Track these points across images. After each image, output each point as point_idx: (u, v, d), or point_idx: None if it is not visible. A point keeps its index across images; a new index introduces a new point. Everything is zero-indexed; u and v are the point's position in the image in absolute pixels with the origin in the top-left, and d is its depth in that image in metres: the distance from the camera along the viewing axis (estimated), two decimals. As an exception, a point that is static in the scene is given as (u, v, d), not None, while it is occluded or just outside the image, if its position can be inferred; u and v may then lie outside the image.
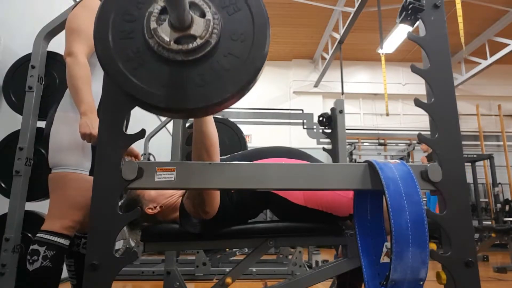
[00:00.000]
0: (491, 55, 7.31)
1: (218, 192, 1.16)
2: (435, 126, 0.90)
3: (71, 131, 1.42)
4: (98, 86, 1.41)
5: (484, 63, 7.49)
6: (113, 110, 0.84)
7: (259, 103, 7.06)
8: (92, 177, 0.82)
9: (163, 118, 4.46)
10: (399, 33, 6.66)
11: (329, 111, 2.36)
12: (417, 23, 0.98)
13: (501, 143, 8.65)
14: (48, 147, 1.46)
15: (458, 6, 4.60)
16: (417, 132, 0.92)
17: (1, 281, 1.69)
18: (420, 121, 7.62)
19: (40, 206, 1.91)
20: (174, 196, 1.37)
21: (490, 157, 6.75)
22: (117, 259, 0.78)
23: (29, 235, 1.80)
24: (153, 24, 0.72)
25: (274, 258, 3.95)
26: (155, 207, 1.33)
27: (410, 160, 8.44)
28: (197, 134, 1.05)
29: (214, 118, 1.11)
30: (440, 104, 0.91)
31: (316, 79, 8.84)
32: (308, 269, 3.03)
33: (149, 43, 0.73)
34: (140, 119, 2.29)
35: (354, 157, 8.28)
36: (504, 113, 8.80)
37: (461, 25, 4.58)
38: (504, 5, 6.65)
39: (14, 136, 1.89)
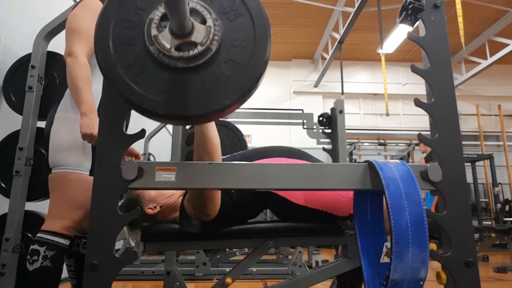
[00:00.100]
0: (491, 55, 7.30)
1: (219, 194, 1.16)
2: (435, 126, 0.90)
3: (71, 131, 1.42)
4: (98, 86, 1.40)
5: (484, 63, 7.48)
6: (113, 110, 0.84)
7: (259, 103, 7.03)
8: (92, 177, 0.82)
9: (163, 119, 4.44)
10: (399, 33, 6.64)
11: (329, 111, 2.35)
12: (417, 23, 0.98)
13: (501, 143, 8.64)
14: (48, 147, 1.46)
15: (458, 6, 4.59)
16: (417, 132, 0.92)
17: (1, 281, 1.69)
18: (420, 121, 7.61)
19: (40, 206, 1.91)
20: (174, 196, 1.37)
21: (490, 157, 6.74)
22: (117, 259, 0.78)
23: (29, 235, 1.80)
24: (153, 31, 0.72)
25: (274, 258, 3.94)
26: (155, 207, 1.33)
27: (410, 160, 8.43)
28: (199, 138, 1.05)
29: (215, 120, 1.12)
30: (440, 104, 0.91)
31: (316, 79, 8.83)
32: (308, 269, 3.02)
33: (150, 50, 0.72)
34: (140, 119, 2.27)
35: (354, 157, 8.27)
36: (504, 113, 8.79)
37: (461, 25, 4.58)
38: (504, 5, 6.64)
39: (14, 136, 1.90)
